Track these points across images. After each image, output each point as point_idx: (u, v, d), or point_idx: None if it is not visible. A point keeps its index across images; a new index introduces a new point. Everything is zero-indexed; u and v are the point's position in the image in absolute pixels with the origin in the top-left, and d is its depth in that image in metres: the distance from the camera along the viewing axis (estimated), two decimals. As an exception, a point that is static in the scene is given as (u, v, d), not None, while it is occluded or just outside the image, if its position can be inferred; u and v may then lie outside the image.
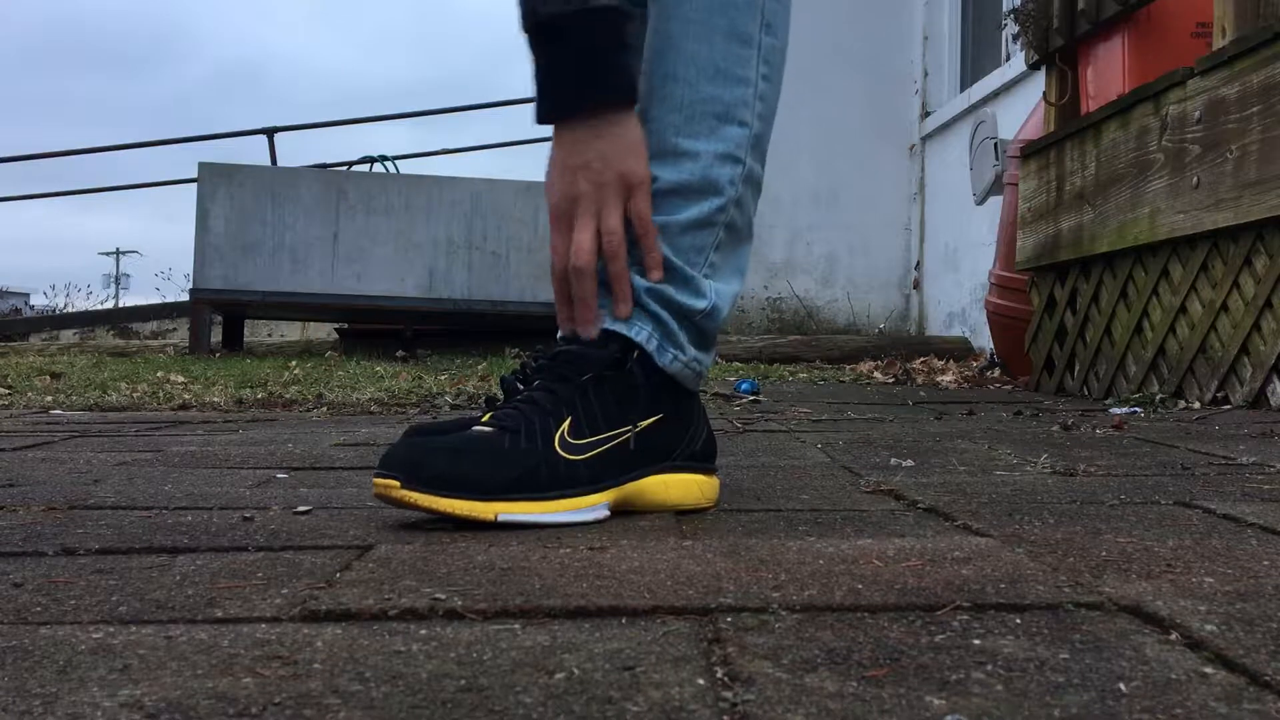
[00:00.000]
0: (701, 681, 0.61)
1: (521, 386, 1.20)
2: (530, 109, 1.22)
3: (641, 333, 1.19)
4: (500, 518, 1.07)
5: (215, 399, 3.15)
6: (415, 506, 1.06)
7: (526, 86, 1.23)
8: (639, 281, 1.19)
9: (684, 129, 1.21)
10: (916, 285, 7.59)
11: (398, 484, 1.06)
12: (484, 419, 1.16)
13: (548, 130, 1.22)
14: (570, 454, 1.13)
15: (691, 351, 1.22)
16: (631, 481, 1.18)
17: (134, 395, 3.23)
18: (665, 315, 1.20)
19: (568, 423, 1.14)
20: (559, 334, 1.23)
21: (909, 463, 1.64)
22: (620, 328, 1.19)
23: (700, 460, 1.24)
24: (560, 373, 1.18)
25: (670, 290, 1.20)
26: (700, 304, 1.21)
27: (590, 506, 1.13)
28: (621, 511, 1.17)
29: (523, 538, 1.02)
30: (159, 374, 4.08)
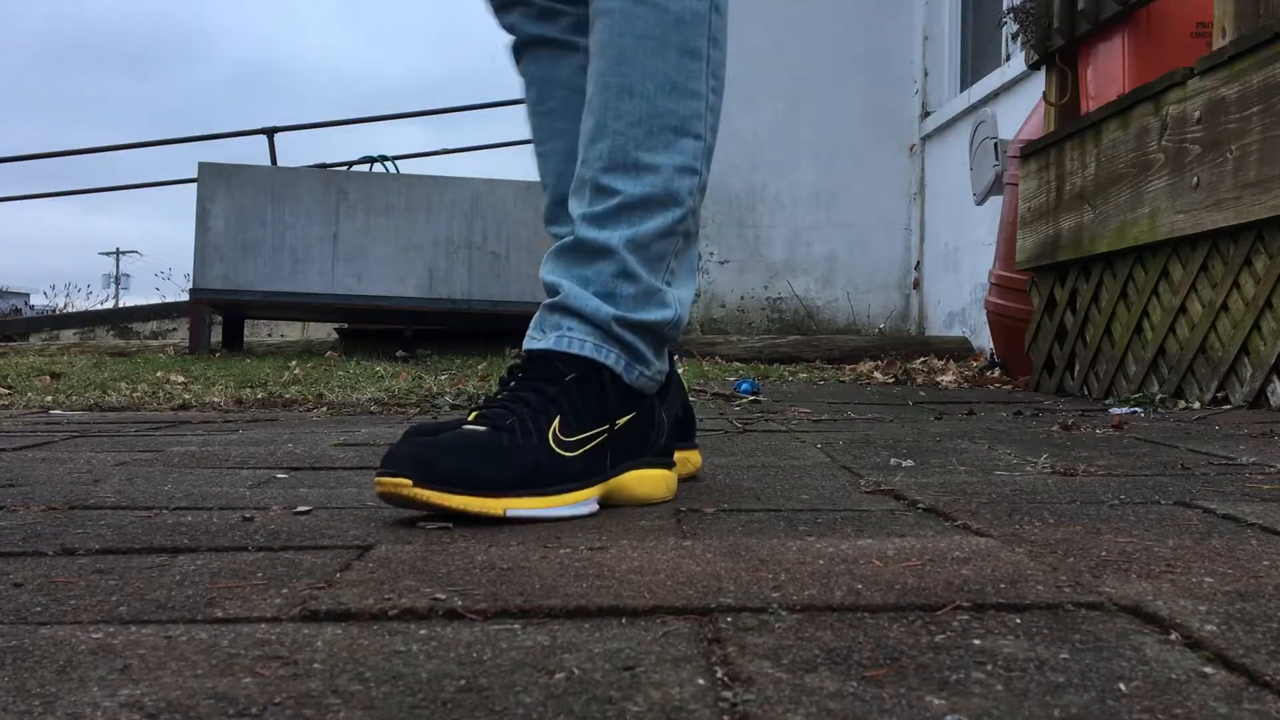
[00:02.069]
0: (701, 681, 0.61)
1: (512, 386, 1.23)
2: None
3: (610, 356, 1.23)
4: (509, 513, 1.08)
5: (215, 399, 3.15)
6: (427, 505, 1.07)
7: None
8: (608, 310, 1.23)
9: (644, 143, 1.24)
10: (916, 285, 7.59)
11: (409, 483, 1.06)
12: (470, 417, 1.17)
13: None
14: (564, 450, 1.16)
15: (655, 365, 1.28)
16: (615, 476, 1.21)
17: (134, 395, 3.23)
18: (634, 339, 1.25)
19: (558, 420, 1.17)
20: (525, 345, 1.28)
21: (909, 463, 1.64)
22: (590, 353, 1.22)
23: (663, 455, 1.30)
24: (546, 373, 1.21)
25: (640, 314, 1.24)
26: (667, 315, 1.27)
27: (584, 500, 1.16)
28: (622, 511, 1.17)
29: (523, 537, 1.02)
30: (159, 374, 4.08)
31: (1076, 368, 3.45)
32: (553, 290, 1.27)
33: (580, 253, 1.26)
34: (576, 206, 1.27)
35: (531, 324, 1.28)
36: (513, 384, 1.22)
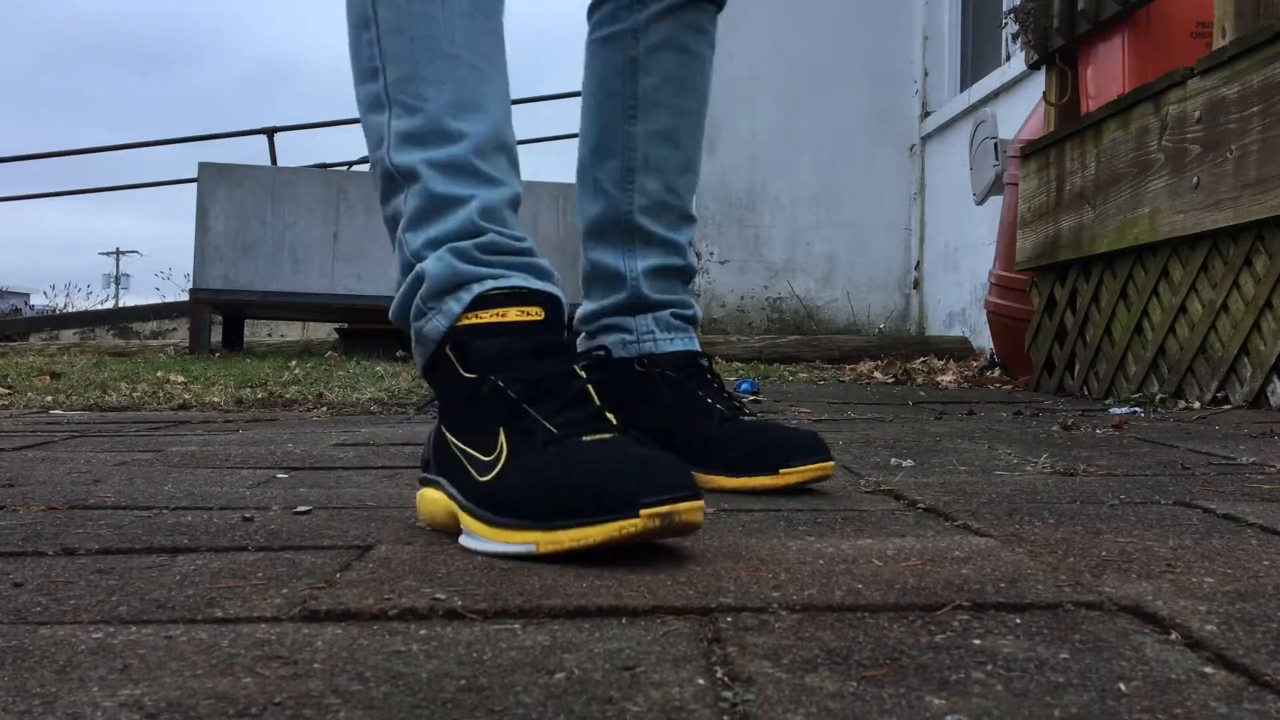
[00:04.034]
0: (701, 681, 0.61)
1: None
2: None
3: None
4: None
5: (215, 399, 3.15)
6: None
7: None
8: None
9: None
10: (916, 285, 7.59)
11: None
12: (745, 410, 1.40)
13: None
14: None
15: None
16: None
17: (134, 395, 3.23)
18: None
19: None
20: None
21: (909, 463, 1.64)
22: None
23: None
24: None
25: None
26: None
27: None
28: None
29: (523, 538, 1.02)
30: (159, 374, 4.08)
31: (1076, 368, 3.45)
32: (682, 304, 1.46)
33: (684, 277, 1.47)
34: (667, 229, 1.44)
35: (657, 325, 1.44)
36: (710, 376, 1.41)
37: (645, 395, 1.40)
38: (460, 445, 1.02)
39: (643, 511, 0.88)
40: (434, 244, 1.08)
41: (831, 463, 1.31)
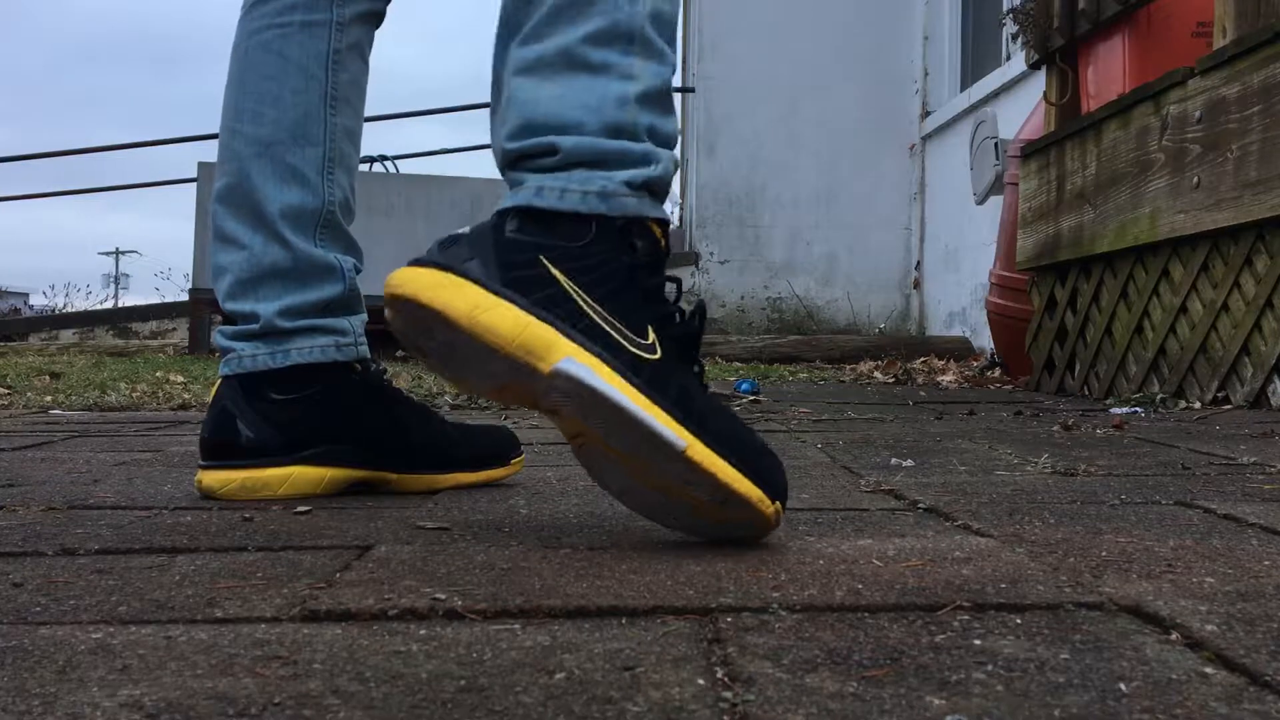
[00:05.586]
0: (701, 681, 0.61)
1: None
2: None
3: None
4: None
5: (215, 399, 3.14)
6: None
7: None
8: None
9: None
10: (916, 285, 7.59)
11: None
12: None
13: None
14: None
15: None
16: None
17: (134, 395, 3.23)
18: None
19: None
20: None
21: (909, 463, 1.64)
22: None
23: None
24: None
25: None
26: None
27: None
28: (621, 511, 1.16)
29: (522, 538, 1.02)
30: (159, 374, 4.08)
31: (1077, 368, 3.45)
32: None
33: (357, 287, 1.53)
34: (348, 230, 1.53)
35: (362, 326, 1.44)
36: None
37: (370, 400, 1.36)
38: (602, 311, 0.96)
39: (782, 506, 0.97)
40: (660, 138, 1.03)
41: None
